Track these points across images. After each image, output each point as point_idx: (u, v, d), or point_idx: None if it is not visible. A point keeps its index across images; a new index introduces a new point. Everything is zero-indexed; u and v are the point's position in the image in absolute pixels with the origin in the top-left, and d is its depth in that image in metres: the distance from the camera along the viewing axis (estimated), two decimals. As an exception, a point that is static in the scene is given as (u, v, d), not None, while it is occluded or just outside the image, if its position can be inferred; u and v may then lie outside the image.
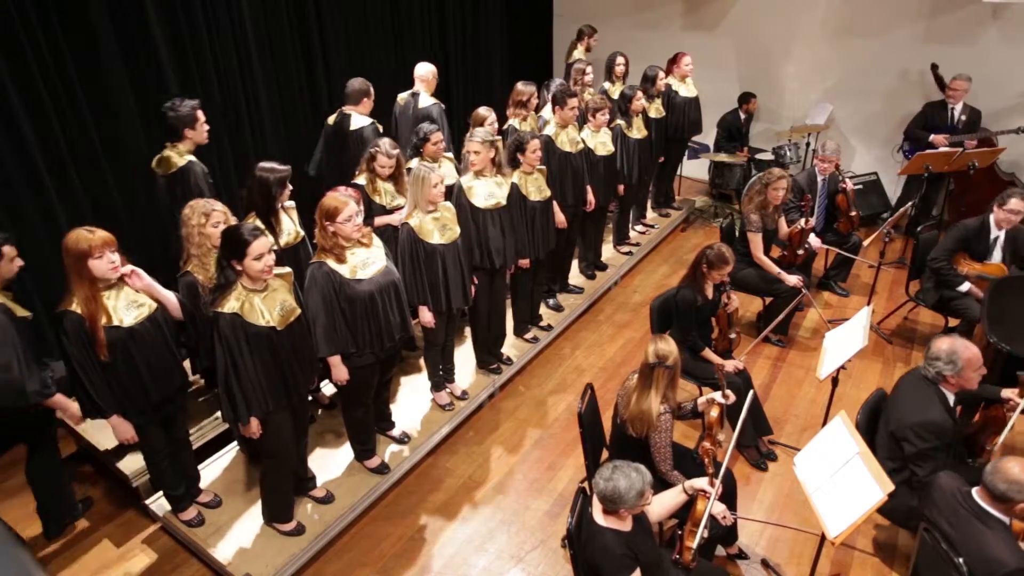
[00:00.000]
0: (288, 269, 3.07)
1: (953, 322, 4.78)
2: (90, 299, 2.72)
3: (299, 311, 3.03)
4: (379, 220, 4.05)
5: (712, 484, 2.72)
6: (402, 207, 4.10)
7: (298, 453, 3.41)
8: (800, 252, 4.90)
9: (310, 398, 3.97)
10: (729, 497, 3.14)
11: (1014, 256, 4.53)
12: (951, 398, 3.11)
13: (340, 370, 3.32)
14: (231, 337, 2.77)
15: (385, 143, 3.96)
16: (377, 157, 3.95)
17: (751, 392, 3.24)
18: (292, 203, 3.71)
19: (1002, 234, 4.48)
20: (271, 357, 2.89)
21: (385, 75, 6.24)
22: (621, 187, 5.62)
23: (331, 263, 3.14)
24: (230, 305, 2.77)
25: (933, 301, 4.68)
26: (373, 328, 3.29)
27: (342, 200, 3.13)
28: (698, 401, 3.27)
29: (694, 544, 2.64)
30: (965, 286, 4.47)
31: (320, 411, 4.24)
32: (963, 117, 5.92)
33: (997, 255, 4.53)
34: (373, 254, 3.30)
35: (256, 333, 2.81)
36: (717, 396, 3.16)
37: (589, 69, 5.85)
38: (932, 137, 5.88)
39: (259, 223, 3.30)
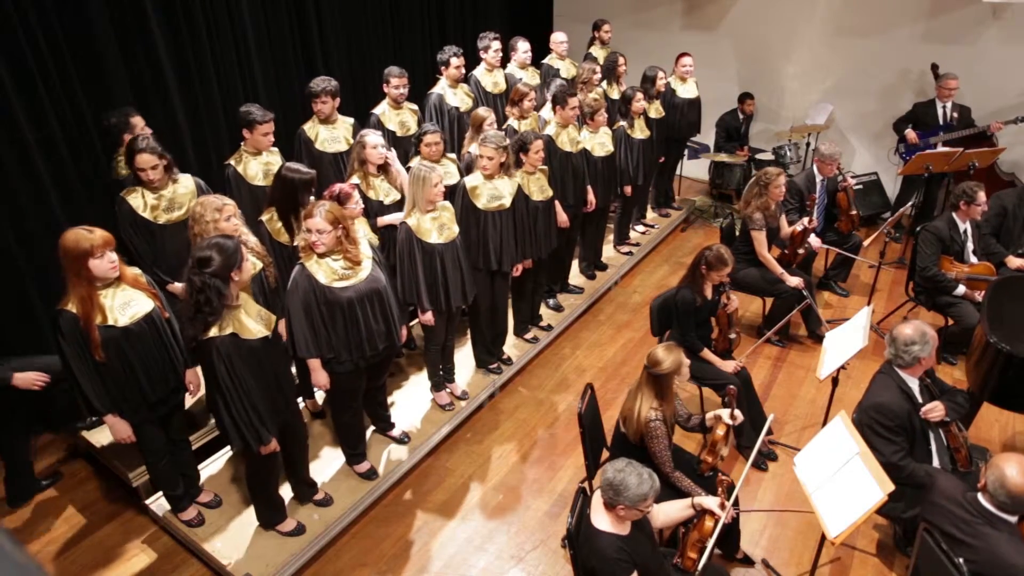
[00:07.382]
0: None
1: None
2: (86, 299, 2.70)
3: (274, 317, 2.96)
4: (381, 220, 4.05)
5: (723, 507, 2.69)
6: (398, 200, 4.10)
7: (302, 459, 3.41)
8: (800, 251, 4.90)
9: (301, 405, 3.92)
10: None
11: (978, 242, 4.69)
12: (912, 383, 3.10)
13: (320, 374, 3.25)
14: (234, 358, 2.66)
15: (368, 132, 4.01)
16: (366, 148, 3.95)
17: (767, 424, 3.19)
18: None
19: (968, 225, 4.62)
20: (270, 368, 2.83)
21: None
22: (628, 188, 5.61)
23: (313, 268, 3.09)
24: (224, 328, 2.64)
25: (930, 307, 4.74)
26: (353, 336, 3.20)
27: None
28: (707, 416, 3.24)
29: (700, 560, 2.62)
30: (960, 289, 4.52)
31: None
32: (955, 115, 5.94)
33: (970, 246, 4.65)
34: (362, 263, 3.25)
35: (252, 348, 2.72)
36: (724, 415, 3.11)
37: (597, 69, 5.84)
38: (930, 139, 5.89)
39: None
